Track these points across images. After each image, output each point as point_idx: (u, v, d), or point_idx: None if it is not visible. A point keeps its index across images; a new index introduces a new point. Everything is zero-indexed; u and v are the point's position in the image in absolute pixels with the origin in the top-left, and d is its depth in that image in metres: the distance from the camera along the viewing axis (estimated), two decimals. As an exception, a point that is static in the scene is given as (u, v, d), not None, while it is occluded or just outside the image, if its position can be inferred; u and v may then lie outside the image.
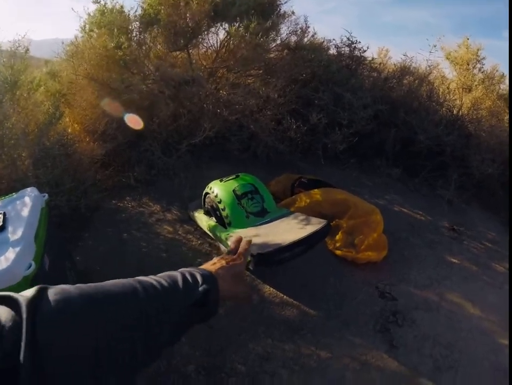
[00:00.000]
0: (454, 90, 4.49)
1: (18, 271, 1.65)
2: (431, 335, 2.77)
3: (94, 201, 3.70)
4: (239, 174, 3.26)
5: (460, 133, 4.15)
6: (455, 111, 4.37)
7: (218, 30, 4.03)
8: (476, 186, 4.13)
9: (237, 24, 3.65)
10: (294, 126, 4.05)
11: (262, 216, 2.98)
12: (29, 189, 2.81)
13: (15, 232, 1.93)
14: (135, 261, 3.26)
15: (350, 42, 4.29)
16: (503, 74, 4.54)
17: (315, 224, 2.74)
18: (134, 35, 3.59)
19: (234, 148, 4.24)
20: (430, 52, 4.31)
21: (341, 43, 4.42)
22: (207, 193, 3.27)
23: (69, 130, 3.69)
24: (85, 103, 3.61)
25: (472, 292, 3.21)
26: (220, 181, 3.20)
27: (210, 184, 3.23)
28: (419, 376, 2.48)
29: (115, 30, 3.26)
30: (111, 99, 3.62)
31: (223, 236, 2.92)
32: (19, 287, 1.62)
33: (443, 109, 4.41)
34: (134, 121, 3.60)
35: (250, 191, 3.07)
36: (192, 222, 3.69)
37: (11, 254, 1.73)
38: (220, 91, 4.07)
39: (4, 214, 2.01)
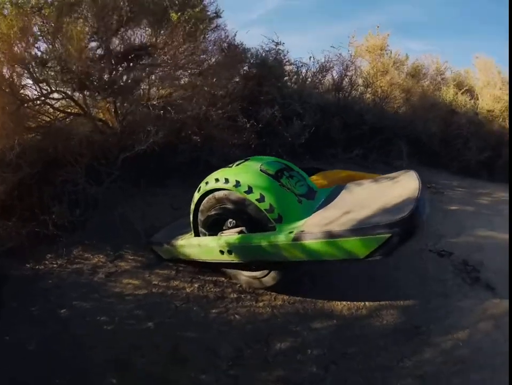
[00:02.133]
0: (373, 75, 4.84)
1: None
2: (501, 268, 2.66)
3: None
4: (248, 158, 2.37)
5: (393, 108, 4.47)
6: (379, 91, 4.68)
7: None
8: (421, 151, 4.46)
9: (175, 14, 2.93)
10: (248, 125, 3.48)
11: (312, 198, 2.13)
12: None
13: None
14: (100, 348, 1.94)
15: (276, 43, 4.07)
16: (406, 54, 5.46)
17: (404, 174, 2.13)
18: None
19: (183, 161, 3.34)
20: (350, 43, 4.62)
21: (263, 49, 4.19)
22: (208, 192, 2.19)
23: None
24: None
25: (496, 224, 3.48)
26: (229, 167, 2.26)
27: (216, 175, 2.18)
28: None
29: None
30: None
31: (280, 239, 1.85)
32: None
33: (368, 94, 4.67)
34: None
35: (284, 168, 2.20)
36: (167, 262, 2.58)
37: None
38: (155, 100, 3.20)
39: None
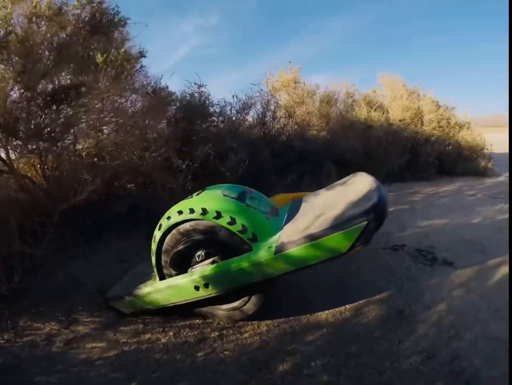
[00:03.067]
0: (291, 106, 5.24)
1: None
2: (451, 247, 3.21)
3: None
4: (204, 188, 2.38)
5: (314, 134, 4.87)
6: (300, 120, 5.10)
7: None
8: (348, 166, 4.88)
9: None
10: (184, 166, 3.46)
11: (276, 214, 2.19)
12: None
13: None
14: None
15: (198, 85, 4.17)
16: (316, 84, 6.08)
17: (354, 176, 2.36)
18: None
19: (121, 211, 3.17)
20: (267, 79, 5.00)
21: (186, 92, 4.29)
22: (171, 228, 2.08)
23: None
24: None
25: (432, 214, 4.20)
26: (189, 198, 2.22)
27: (178, 208, 2.09)
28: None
29: None
30: None
31: (261, 256, 1.84)
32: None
33: (289, 125, 5.02)
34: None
35: (244, 191, 2.25)
36: (130, 317, 2.34)
37: None
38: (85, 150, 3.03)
39: None
